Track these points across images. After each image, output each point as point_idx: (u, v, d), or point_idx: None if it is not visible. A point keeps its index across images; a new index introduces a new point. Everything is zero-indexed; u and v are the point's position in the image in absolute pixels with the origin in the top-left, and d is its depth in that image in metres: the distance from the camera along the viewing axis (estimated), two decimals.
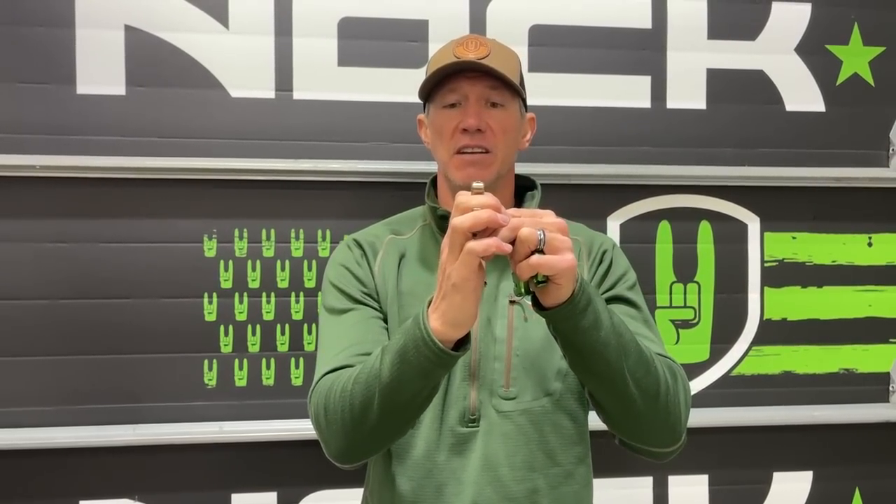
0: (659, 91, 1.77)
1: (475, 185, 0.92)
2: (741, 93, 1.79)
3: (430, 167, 1.63)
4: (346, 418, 1.04)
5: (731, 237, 1.80)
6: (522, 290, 0.95)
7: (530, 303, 1.00)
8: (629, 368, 1.02)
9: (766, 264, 1.82)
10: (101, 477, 1.61)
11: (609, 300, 1.19)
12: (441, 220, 1.24)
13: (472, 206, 0.90)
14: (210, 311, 1.64)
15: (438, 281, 0.95)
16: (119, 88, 1.61)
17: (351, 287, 1.21)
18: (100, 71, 1.60)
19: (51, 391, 1.60)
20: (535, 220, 0.92)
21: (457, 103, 1.20)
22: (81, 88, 1.60)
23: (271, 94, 1.66)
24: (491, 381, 1.16)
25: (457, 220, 0.90)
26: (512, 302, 1.18)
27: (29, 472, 1.59)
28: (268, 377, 1.66)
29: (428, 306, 0.97)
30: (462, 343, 0.98)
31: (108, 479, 1.61)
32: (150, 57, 1.62)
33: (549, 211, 0.95)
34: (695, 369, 1.79)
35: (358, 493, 1.66)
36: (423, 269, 1.23)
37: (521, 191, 1.30)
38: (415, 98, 1.66)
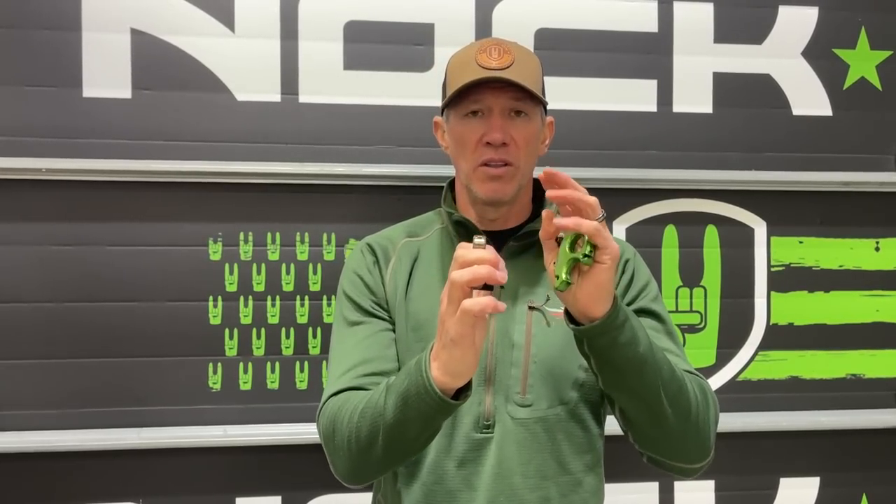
0: (665, 95, 1.77)
1: (476, 240, 0.92)
2: (748, 97, 1.79)
3: (435, 171, 1.64)
4: (352, 448, 1.06)
5: (737, 241, 1.79)
6: (565, 274, 0.94)
7: (553, 310, 1.07)
8: (663, 386, 1.02)
9: (772, 269, 1.81)
10: (106, 480, 1.61)
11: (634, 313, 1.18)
12: (457, 226, 1.23)
13: (471, 260, 0.90)
14: (215, 315, 1.64)
15: (438, 330, 0.95)
16: (125, 92, 1.61)
17: (362, 298, 1.22)
18: (106, 74, 1.61)
19: (56, 394, 1.60)
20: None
21: (479, 112, 1.17)
22: (88, 92, 1.60)
23: (277, 98, 1.66)
24: (507, 387, 1.15)
25: (455, 275, 0.91)
26: (531, 308, 1.16)
27: (34, 475, 1.59)
28: (272, 381, 1.66)
29: (430, 351, 0.97)
30: (464, 390, 0.98)
31: (113, 482, 1.61)
32: (156, 60, 1.62)
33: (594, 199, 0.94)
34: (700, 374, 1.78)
35: (362, 497, 1.66)
36: (437, 270, 1.22)
37: (541, 192, 1.26)
38: (420, 101, 1.68)
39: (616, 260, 0.95)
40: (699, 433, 1.08)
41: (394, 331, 1.20)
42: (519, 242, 1.20)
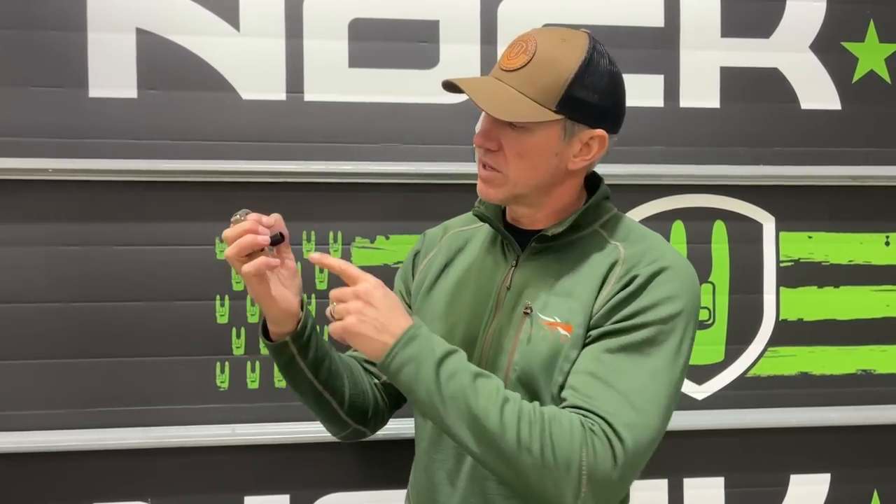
0: (672, 90, 1.76)
1: (235, 216, 1.09)
2: (755, 91, 1.77)
3: (441, 168, 1.65)
4: None
5: (745, 237, 1.78)
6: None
7: (547, 318, 1.08)
8: (463, 432, 0.99)
9: (781, 264, 1.80)
10: (114, 480, 1.61)
11: (618, 339, 1.05)
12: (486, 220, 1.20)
13: (233, 235, 1.06)
14: (222, 314, 1.64)
15: None
16: (131, 91, 1.61)
17: (398, 282, 1.32)
18: (111, 74, 1.61)
19: (63, 394, 1.60)
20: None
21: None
22: (93, 92, 1.60)
23: (282, 96, 1.66)
24: None
25: (226, 252, 1.07)
26: (526, 314, 1.12)
27: (42, 475, 1.59)
28: (280, 379, 1.66)
29: None
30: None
31: (121, 481, 1.62)
32: (161, 60, 1.62)
33: (367, 280, 1.04)
34: (710, 370, 1.77)
35: (369, 495, 1.67)
36: (467, 266, 1.22)
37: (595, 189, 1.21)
38: (426, 99, 1.67)
39: (350, 313, 1.02)
40: (520, 478, 0.99)
41: None
42: (540, 244, 1.15)
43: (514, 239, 1.17)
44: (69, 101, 1.60)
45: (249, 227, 1.06)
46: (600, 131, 1.10)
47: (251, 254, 1.06)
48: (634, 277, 1.07)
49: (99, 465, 1.61)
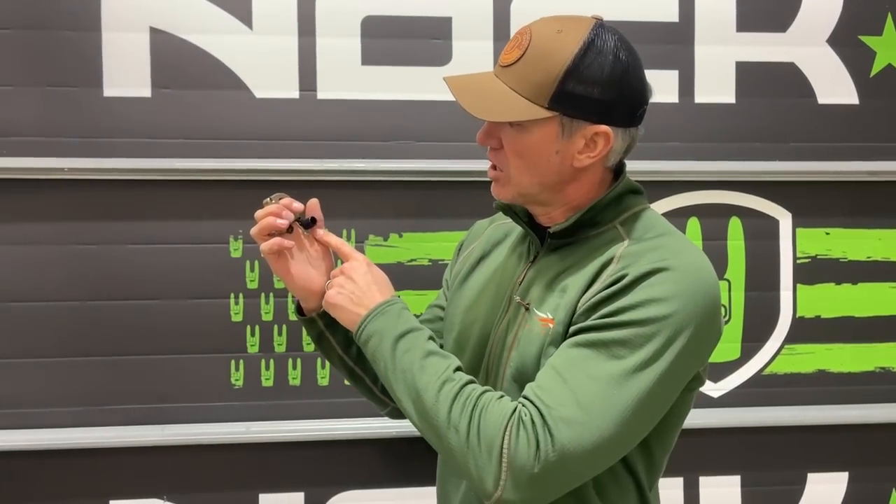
0: (687, 85, 1.74)
1: (266, 199, 1.15)
2: (772, 86, 1.76)
3: (454, 166, 1.65)
4: None
5: (762, 233, 1.77)
6: None
7: (541, 314, 1.06)
8: (408, 405, 1.03)
9: (798, 261, 1.78)
10: (130, 477, 1.62)
11: (592, 336, 0.99)
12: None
13: (259, 216, 1.13)
14: (236, 312, 1.65)
15: None
16: (145, 91, 1.62)
17: (446, 273, 1.34)
18: (126, 73, 1.61)
19: (79, 392, 1.61)
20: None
21: None
22: (108, 91, 1.61)
23: (295, 95, 1.66)
24: (492, 386, 1.12)
25: (252, 231, 1.15)
26: (525, 307, 1.10)
27: (58, 472, 1.61)
28: (294, 377, 1.66)
29: None
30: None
31: (137, 479, 1.63)
32: (175, 59, 1.62)
33: (356, 258, 1.14)
34: (726, 368, 1.76)
35: (383, 493, 1.67)
36: (495, 261, 1.21)
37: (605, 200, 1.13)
38: (439, 96, 1.67)
39: (333, 287, 1.12)
40: (452, 456, 0.99)
41: (443, 308, 1.28)
42: (555, 241, 1.12)
43: (535, 236, 1.15)
44: (84, 101, 1.60)
45: (273, 210, 1.12)
46: (604, 127, 1.04)
47: (273, 234, 1.13)
48: (624, 276, 1.00)
49: (114, 463, 1.62)
